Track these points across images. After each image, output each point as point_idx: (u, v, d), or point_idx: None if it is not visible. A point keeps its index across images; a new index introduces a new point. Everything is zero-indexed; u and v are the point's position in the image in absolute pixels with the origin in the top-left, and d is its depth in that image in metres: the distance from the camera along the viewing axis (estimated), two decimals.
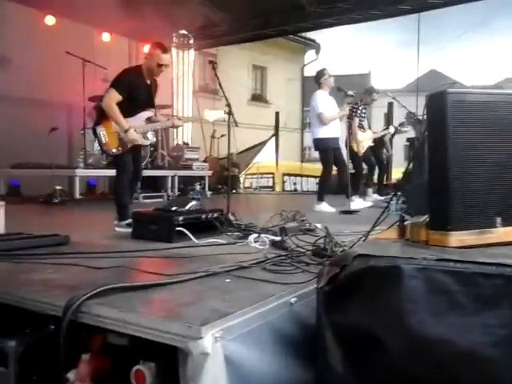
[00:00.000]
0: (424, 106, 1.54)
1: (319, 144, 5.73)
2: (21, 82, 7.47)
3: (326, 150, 5.68)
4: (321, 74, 5.76)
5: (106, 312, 1.52)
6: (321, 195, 5.73)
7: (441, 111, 1.47)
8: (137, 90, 3.90)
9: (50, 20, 8.41)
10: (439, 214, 1.52)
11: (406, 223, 1.78)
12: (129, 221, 3.78)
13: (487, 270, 1.18)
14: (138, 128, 3.94)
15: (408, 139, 7.91)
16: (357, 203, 5.72)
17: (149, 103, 4.09)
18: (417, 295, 1.23)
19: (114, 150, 3.92)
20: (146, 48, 10.32)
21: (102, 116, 3.93)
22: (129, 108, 3.88)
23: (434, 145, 1.54)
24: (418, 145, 6.22)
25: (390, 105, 11.04)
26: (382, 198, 6.65)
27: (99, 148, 4.11)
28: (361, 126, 6.75)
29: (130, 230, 3.42)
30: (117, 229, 3.79)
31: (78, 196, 6.90)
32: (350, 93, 5.75)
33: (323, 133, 5.65)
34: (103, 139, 3.91)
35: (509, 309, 1.14)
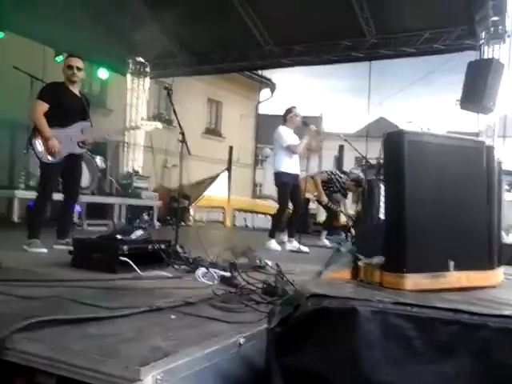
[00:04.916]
0: (381, 144, 1.54)
1: (279, 177, 5.68)
2: None
3: (286, 184, 5.65)
4: (289, 111, 5.83)
5: (34, 349, 1.37)
6: (272, 232, 5.68)
7: (398, 150, 1.48)
8: (62, 98, 4.19)
9: None
10: (394, 256, 1.50)
11: (359, 264, 1.76)
12: (68, 240, 3.97)
13: (445, 315, 1.15)
14: (73, 137, 4.20)
15: (353, 179, 8.07)
16: (294, 245, 5.66)
17: (82, 114, 4.31)
18: (372, 340, 1.17)
19: (50, 158, 4.08)
20: (102, 73, 10.32)
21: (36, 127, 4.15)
22: (59, 116, 4.12)
23: (390, 184, 1.54)
24: (367, 188, 6.41)
25: (341, 148, 11.38)
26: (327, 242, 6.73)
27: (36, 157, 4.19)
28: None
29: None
30: (56, 247, 4.00)
31: (16, 219, 6.48)
32: (313, 127, 5.87)
33: (285, 167, 5.64)
34: (39, 147, 4.07)
35: (464, 357, 1.11)
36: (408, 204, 1.49)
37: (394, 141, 1.53)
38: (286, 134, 5.71)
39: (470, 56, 7.26)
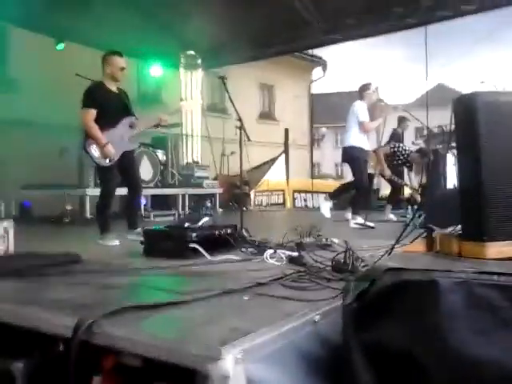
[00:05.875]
0: (451, 110, 1.45)
1: (352, 152, 5.62)
2: (32, 105, 7.54)
3: (359, 158, 5.59)
4: (366, 87, 5.80)
5: (119, 332, 1.43)
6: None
7: (471, 113, 1.38)
8: (106, 99, 4.23)
9: (60, 46, 8.52)
10: (473, 223, 1.42)
11: (434, 235, 1.69)
12: (139, 229, 4.06)
13: None
14: (124, 134, 4.27)
15: (419, 150, 7.77)
16: (358, 221, 5.56)
17: (127, 111, 4.37)
18: (457, 312, 1.12)
19: (107, 161, 4.17)
20: (155, 70, 10.54)
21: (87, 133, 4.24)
22: (107, 118, 4.18)
23: (464, 150, 1.45)
24: (433, 158, 6.14)
25: (400, 119, 10.94)
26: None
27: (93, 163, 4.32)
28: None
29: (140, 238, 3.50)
30: (129, 237, 4.08)
31: (88, 215, 6.85)
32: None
33: (358, 142, 5.59)
34: (95, 153, 4.16)
35: None
36: (485, 169, 1.40)
37: (466, 103, 1.43)
38: (363, 110, 5.65)
39: None
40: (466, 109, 1.42)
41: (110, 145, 4.14)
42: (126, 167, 4.35)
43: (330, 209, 5.63)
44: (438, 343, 1.13)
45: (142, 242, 3.21)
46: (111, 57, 4.31)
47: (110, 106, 4.23)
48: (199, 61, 10.89)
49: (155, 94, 12.10)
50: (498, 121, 1.39)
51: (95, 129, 4.13)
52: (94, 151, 4.14)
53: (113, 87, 4.34)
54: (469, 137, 1.41)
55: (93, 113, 4.14)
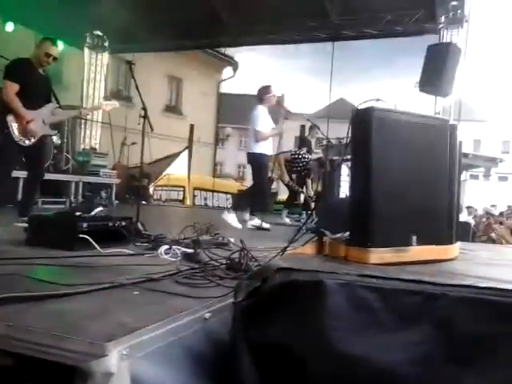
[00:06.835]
0: (349, 121, 1.55)
1: (255, 159, 5.66)
2: None
3: (261, 165, 5.64)
4: (266, 90, 5.74)
5: None
6: (239, 207, 5.65)
7: (366, 126, 1.49)
8: (32, 78, 4.03)
9: None
10: (359, 231, 1.53)
11: (324, 239, 1.78)
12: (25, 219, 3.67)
13: (408, 286, 1.19)
14: (46, 119, 4.06)
15: (317, 159, 8.19)
16: (255, 222, 5.69)
17: (49, 95, 4.22)
18: (339, 311, 1.19)
19: (27, 141, 3.95)
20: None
21: (8, 107, 3.94)
22: (30, 99, 3.96)
23: (357, 160, 1.55)
24: (329, 168, 6.48)
25: (303, 128, 11.42)
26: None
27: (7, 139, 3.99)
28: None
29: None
30: (17, 224, 3.67)
31: None
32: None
33: (260, 148, 5.62)
34: (15, 130, 3.90)
35: (427, 326, 1.15)
36: (374, 181, 1.51)
37: (362, 117, 1.53)
38: (262, 116, 5.65)
39: (431, 39, 7.47)
40: (362, 122, 1.52)
41: (33, 123, 3.92)
42: (36, 152, 4.12)
43: (239, 221, 5.63)
44: (320, 342, 1.19)
45: (25, 229, 2.97)
46: (42, 41, 4.21)
47: (34, 87, 4.02)
48: (106, 43, 10.38)
49: (55, 71, 11.23)
50: (389, 136, 1.52)
51: (18, 104, 3.89)
52: (14, 129, 3.89)
53: (40, 69, 4.16)
54: (362, 149, 1.51)
55: (16, 87, 3.90)
